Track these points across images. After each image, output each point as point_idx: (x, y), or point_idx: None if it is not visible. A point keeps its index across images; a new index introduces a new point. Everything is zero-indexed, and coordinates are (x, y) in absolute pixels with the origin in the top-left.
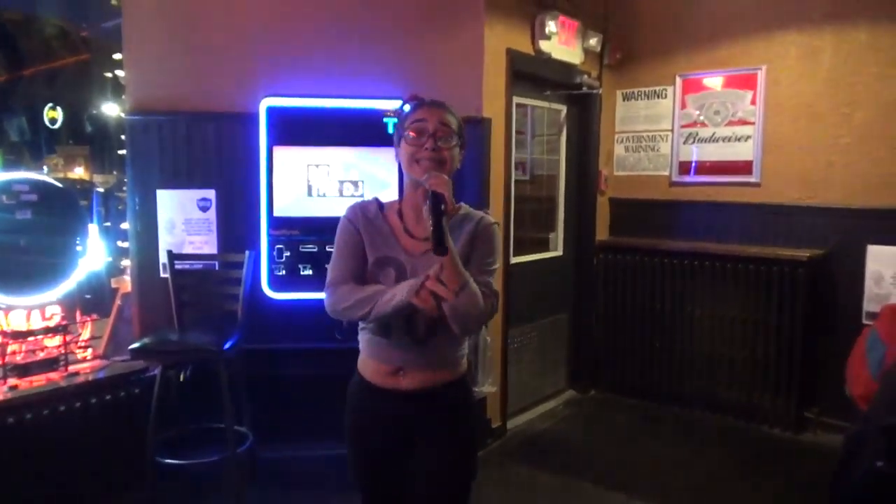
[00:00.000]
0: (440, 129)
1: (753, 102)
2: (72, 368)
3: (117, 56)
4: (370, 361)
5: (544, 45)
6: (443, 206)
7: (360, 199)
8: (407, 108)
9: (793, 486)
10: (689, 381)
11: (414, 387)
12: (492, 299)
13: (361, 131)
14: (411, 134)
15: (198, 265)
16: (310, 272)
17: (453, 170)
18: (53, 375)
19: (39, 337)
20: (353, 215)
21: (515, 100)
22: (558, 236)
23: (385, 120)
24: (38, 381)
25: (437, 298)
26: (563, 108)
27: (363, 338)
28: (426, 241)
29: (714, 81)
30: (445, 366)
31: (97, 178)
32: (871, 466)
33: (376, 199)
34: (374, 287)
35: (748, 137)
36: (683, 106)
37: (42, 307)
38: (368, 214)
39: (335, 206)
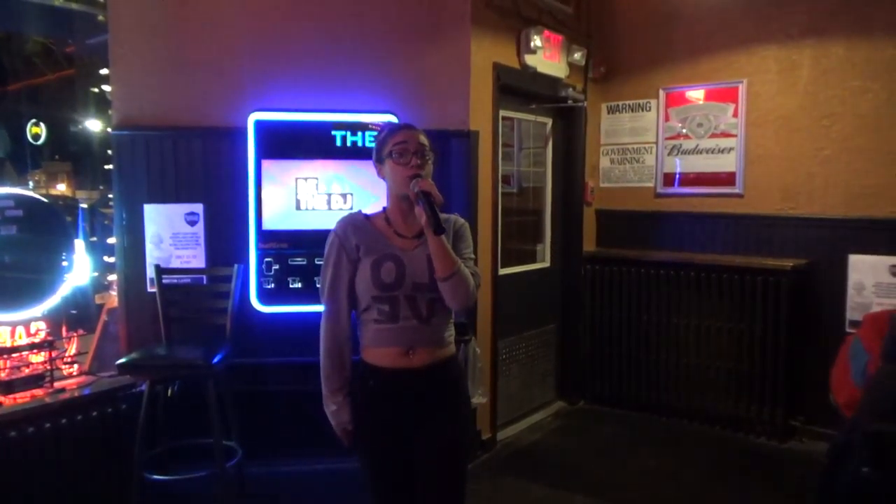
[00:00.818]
0: (419, 147)
1: (735, 115)
2: (57, 385)
3: (104, 71)
4: (380, 349)
5: (530, 60)
6: (432, 199)
7: (347, 213)
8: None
9: (779, 493)
10: (676, 391)
11: (423, 363)
12: (477, 278)
13: (350, 145)
14: (396, 155)
15: (185, 279)
16: (299, 285)
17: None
18: (39, 392)
19: (24, 353)
20: (342, 231)
21: (502, 113)
22: (546, 248)
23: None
24: (22, 397)
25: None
26: (549, 121)
27: (368, 329)
28: (415, 238)
29: (697, 95)
30: (443, 344)
31: (80, 194)
32: (857, 473)
33: (360, 212)
34: (331, 353)
35: (731, 149)
36: (667, 119)
37: (27, 323)
38: (357, 224)
39: (324, 220)
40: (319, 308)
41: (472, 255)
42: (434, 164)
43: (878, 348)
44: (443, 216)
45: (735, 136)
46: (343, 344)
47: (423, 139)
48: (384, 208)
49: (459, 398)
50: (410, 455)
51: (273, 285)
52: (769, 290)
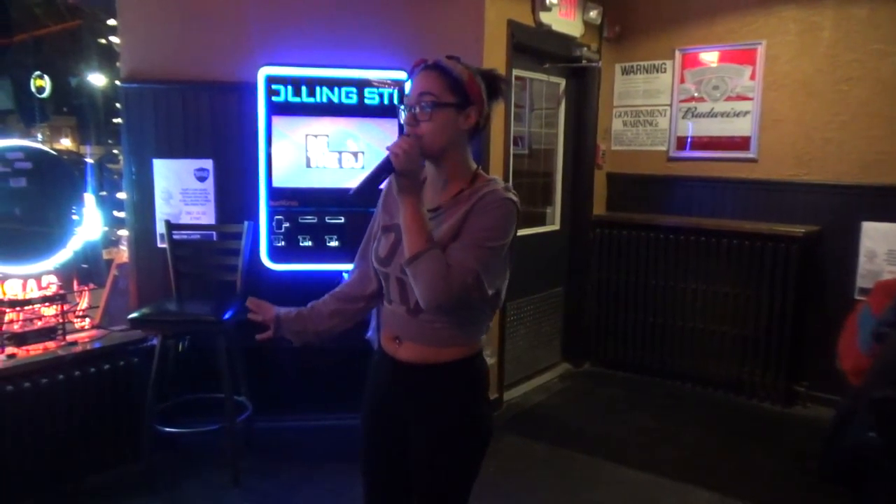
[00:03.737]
0: (416, 102)
1: (752, 78)
2: (70, 338)
3: (111, 22)
4: (382, 327)
5: (545, 17)
6: (392, 160)
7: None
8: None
9: (781, 455)
10: (681, 355)
11: (409, 359)
12: (466, 278)
13: (361, 102)
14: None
15: (195, 236)
16: (309, 243)
17: (446, 138)
18: (51, 344)
19: (37, 306)
20: (385, 189)
21: (515, 72)
22: (555, 211)
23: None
24: (35, 350)
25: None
26: (562, 82)
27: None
28: (432, 211)
29: (713, 56)
30: (442, 344)
31: (85, 149)
32: (862, 438)
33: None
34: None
35: (746, 113)
36: (682, 80)
37: (38, 276)
38: (390, 183)
39: (334, 178)
40: (330, 267)
41: (490, 244)
42: (468, 110)
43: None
44: (487, 186)
45: (751, 99)
46: (337, 296)
47: (434, 84)
48: None
49: (452, 412)
50: (399, 441)
51: (283, 243)
52: (778, 257)
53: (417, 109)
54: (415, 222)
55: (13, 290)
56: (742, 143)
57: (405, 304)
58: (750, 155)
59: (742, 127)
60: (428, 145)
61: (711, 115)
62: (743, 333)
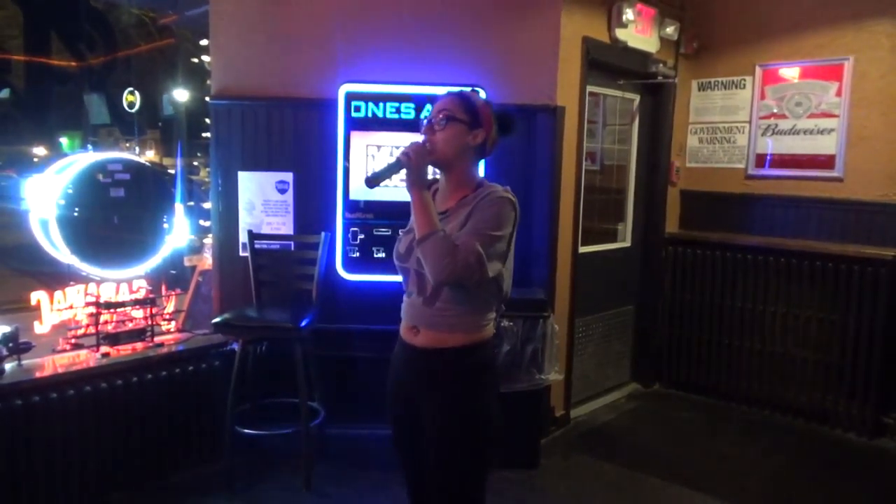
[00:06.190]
0: (436, 115)
1: (839, 94)
2: (157, 340)
3: (203, 42)
4: (403, 318)
5: (620, 34)
6: (405, 160)
7: None
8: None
9: (867, 490)
10: (758, 380)
11: (424, 344)
12: (469, 258)
13: None
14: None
15: (275, 245)
16: (383, 255)
17: (455, 148)
18: (139, 345)
19: (128, 309)
20: None
21: (589, 88)
22: (627, 227)
23: None
24: (126, 350)
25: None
26: (637, 98)
27: None
28: (441, 213)
29: (796, 72)
30: (453, 330)
31: (175, 161)
32: None
33: (435, 177)
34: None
35: (831, 130)
36: (763, 97)
37: (129, 281)
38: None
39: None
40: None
41: (491, 232)
42: (475, 131)
43: None
44: (482, 190)
45: (837, 116)
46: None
47: (449, 105)
48: None
49: (462, 390)
50: (416, 420)
51: (358, 254)
52: (866, 280)
53: (435, 123)
54: (422, 209)
55: (107, 293)
56: (826, 161)
57: (422, 295)
58: (835, 174)
59: (826, 145)
60: (440, 151)
61: (793, 132)
62: (826, 359)
